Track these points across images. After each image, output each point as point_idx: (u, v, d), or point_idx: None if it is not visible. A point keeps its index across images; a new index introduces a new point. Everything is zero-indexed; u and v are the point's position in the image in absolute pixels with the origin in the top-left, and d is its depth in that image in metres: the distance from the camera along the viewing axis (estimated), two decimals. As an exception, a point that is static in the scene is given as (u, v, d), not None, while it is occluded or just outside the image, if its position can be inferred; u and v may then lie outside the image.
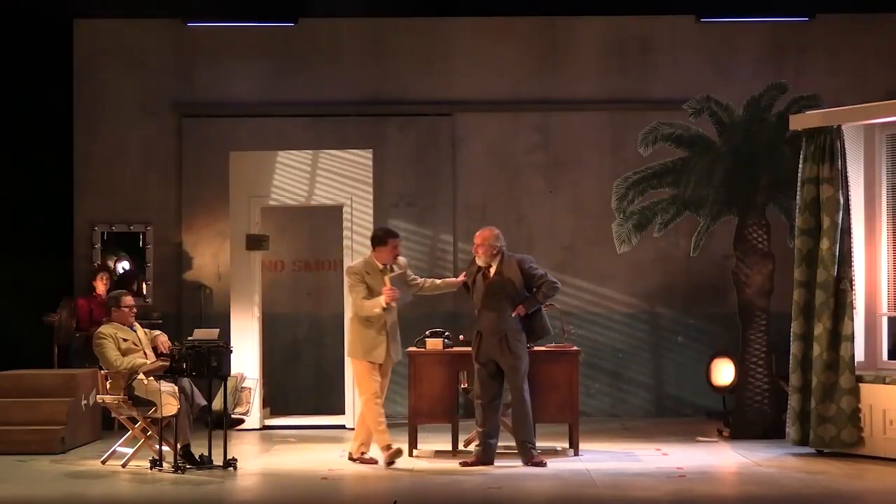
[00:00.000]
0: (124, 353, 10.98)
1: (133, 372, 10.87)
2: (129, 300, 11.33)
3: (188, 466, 10.59)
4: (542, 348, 11.30)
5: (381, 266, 10.94)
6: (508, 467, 10.67)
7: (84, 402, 12.19)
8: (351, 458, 11.05)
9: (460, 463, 10.85)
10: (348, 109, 14.76)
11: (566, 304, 13.89)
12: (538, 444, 11.00)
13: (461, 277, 11.19)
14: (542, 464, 10.71)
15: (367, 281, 10.89)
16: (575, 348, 11.53)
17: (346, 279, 11.23)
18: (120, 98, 14.80)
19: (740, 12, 14.64)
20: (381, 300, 10.80)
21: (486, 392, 10.83)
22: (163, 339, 11.24)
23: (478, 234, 10.95)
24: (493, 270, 10.85)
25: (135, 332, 11.21)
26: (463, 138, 14.79)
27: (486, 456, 10.80)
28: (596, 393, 14.54)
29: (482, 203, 14.67)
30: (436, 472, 10.59)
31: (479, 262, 10.89)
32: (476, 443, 11.02)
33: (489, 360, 10.79)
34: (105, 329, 11.12)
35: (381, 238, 11.01)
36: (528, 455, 10.78)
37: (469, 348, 11.11)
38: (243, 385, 11.05)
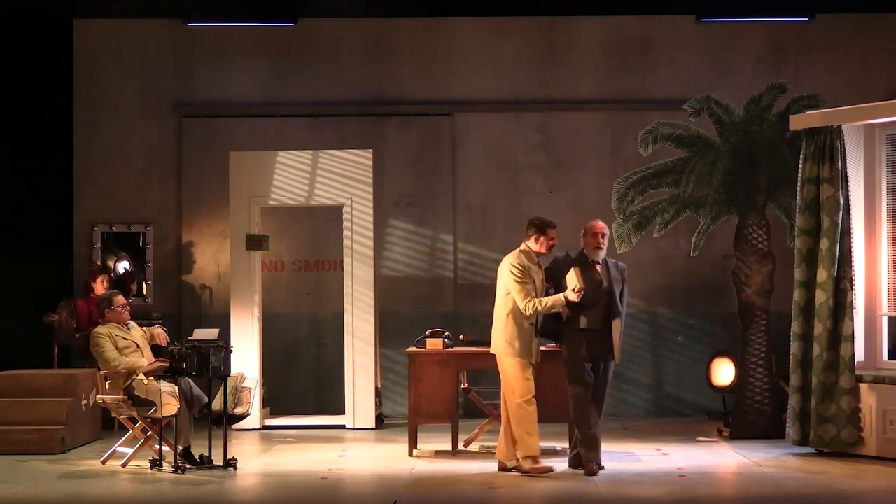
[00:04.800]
0: (122, 353, 10.97)
1: (132, 371, 10.86)
2: (120, 299, 11.28)
3: (188, 466, 10.59)
4: (543, 348, 11.27)
5: (537, 258, 10.54)
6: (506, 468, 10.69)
7: (84, 402, 12.19)
8: (508, 469, 10.45)
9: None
10: (348, 109, 14.76)
11: (566, 304, 13.88)
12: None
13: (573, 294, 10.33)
14: (596, 472, 10.34)
15: (533, 275, 10.45)
16: (575, 348, 11.51)
17: (511, 272, 10.35)
18: (120, 98, 14.80)
19: (740, 12, 14.63)
20: (562, 297, 10.33)
21: (589, 391, 10.45)
22: (158, 332, 11.22)
23: (598, 224, 10.58)
24: (599, 265, 10.54)
25: (129, 330, 11.20)
26: (463, 138, 14.78)
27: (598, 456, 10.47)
28: (596, 393, 14.52)
29: (482, 203, 14.66)
30: (436, 472, 10.58)
31: (600, 255, 10.53)
32: (580, 448, 10.48)
33: (597, 360, 10.47)
34: (101, 329, 11.09)
35: (541, 227, 10.57)
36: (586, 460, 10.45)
37: (471, 349, 11.12)
38: (243, 385, 11.03)
